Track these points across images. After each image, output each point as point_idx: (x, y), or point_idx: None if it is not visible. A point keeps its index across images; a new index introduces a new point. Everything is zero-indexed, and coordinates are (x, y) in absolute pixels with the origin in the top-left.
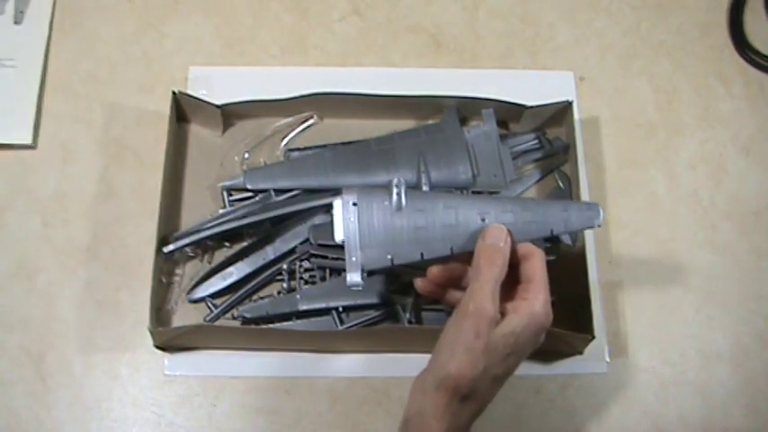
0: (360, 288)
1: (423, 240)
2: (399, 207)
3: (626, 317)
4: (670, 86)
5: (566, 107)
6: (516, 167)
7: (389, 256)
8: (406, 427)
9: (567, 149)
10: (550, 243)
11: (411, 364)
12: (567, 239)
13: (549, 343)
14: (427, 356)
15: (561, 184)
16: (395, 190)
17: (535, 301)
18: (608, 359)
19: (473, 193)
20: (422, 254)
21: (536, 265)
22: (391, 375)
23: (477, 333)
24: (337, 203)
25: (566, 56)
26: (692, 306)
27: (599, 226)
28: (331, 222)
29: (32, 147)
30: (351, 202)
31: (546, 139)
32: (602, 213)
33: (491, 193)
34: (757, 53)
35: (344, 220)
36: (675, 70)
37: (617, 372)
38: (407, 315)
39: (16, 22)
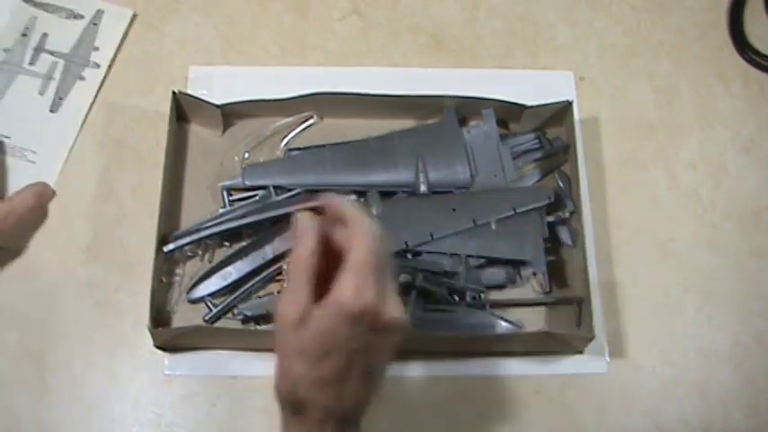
0: None
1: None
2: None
3: (626, 317)
4: (670, 86)
5: (566, 107)
6: (516, 167)
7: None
8: None
9: (567, 149)
10: (551, 243)
11: (411, 364)
12: (567, 239)
13: (549, 343)
14: (427, 357)
15: (561, 184)
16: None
17: (340, 289)
18: (608, 359)
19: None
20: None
21: (352, 245)
22: (391, 375)
23: (285, 339)
24: None
25: (566, 56)
26: (692, 306)
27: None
28: None
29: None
30: None
31: (546, 139)
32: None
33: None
34: (757, 53)
35: None
36: (675, 70)
37: (617, 372)
38: (407, 315)
39: (52, 111)
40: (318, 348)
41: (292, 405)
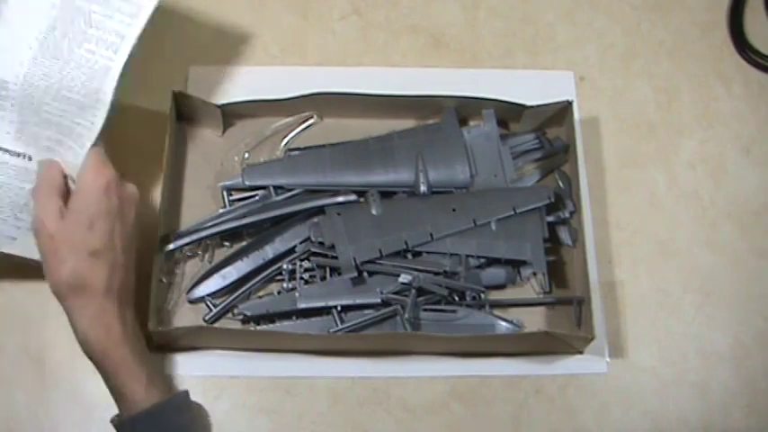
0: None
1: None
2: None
3: (626, 317)
4: (670, 86)
5: (566, 107)
6: (516, 167)
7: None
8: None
9: (567, 149)
10: (551, 243)
11: (411, 364)
12: (567, 239)
13: (549, 343)
14: (427, 357)
15: (561, 184)
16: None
17: (83, 175)
18: (608, 359)
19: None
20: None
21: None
22: (391, 375)
23: (48, 240)
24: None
25: (566, 56)
26: (692, 306)
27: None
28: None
29: None
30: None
31: (546, 139)
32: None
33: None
34: (757, 53)
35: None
36: (675, 70)
37: (617, 372)
38: (406, 315)
39: None
40: (84, 220)
41: (77, 288)
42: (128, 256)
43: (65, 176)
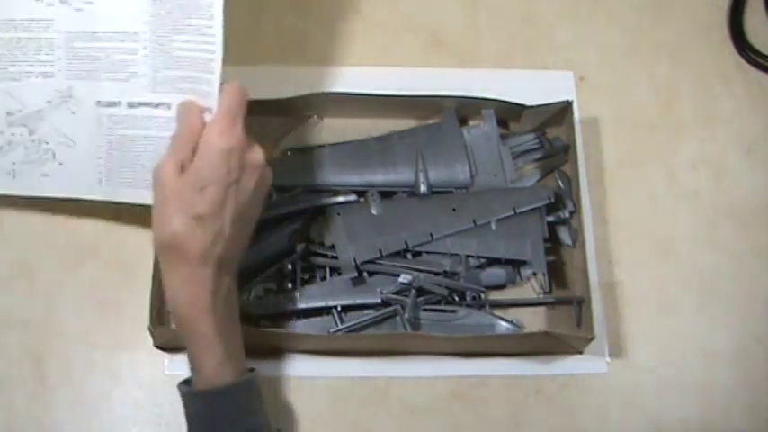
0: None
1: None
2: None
3: (626, 317)
4: (670, 86)
5: (566, 107)
6: (516, 167)
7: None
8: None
9: (567, 149)
10: (551, 243)
11: (411, 364)
12: (567, 239)
13: (549, 343)
14: (427, 357)
15: (561, 184)
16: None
17: (207, 132)
18: (608, 359)
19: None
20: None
21: (220, 99)
22: (391, 375)
23: (164, 190)
24: None
25: (566, 56)
26: (692, 306)
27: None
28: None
29: None
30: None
31: (546, 139)
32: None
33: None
34: (757, 53)
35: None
36: (675, 70)
37: (617, 372)
38: (406, 315)
39: None
40: (197, 182)
41: (174, 248)
42: (237, 227)
43: (203, 123)
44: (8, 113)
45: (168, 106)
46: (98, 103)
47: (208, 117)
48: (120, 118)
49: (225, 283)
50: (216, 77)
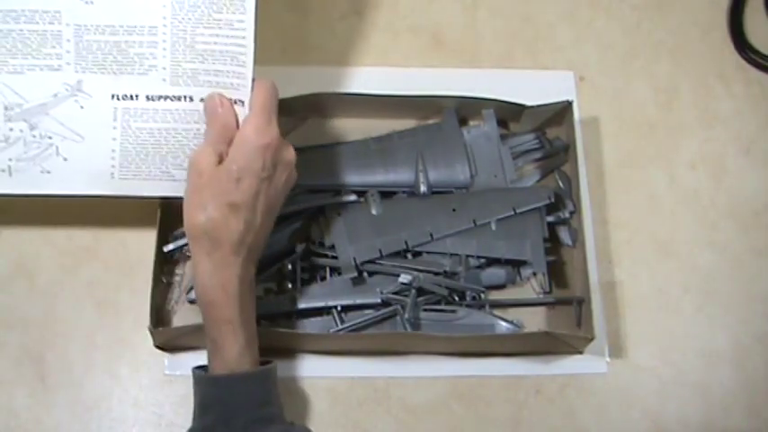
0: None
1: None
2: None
3: (626, 317)
4: (670, 86)
5: (566, 107)
6: (516, 167)
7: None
8: (197, 291)
9: (567, 149)
10: (551, 243)
11: (411, 364)
12: (567, 239)
13: (549, 343)
14: (427, 357)
15: (561, 184)
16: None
17: (244, 127)
18: (608, 359)
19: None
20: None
21: (254, 96)
22: (391, 375)
23: (199, 179)
24: None
25: (566, 56)
26: (692, 306)
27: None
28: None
29: None
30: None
31: (546, 139)
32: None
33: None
34: (757, 53)
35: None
36: (675, 70)
37: (617, 372)
38: (406, 315)
39: None
40: (234, 173)
41: (208, 232)
42: (266, 219)
43: (237, 117)
44: (6, 108)
45: (191, 98)
46: (113, 96)
47: (238, 109)
48: (138, 111)
49: (251, 272)
50: (248, 71)
